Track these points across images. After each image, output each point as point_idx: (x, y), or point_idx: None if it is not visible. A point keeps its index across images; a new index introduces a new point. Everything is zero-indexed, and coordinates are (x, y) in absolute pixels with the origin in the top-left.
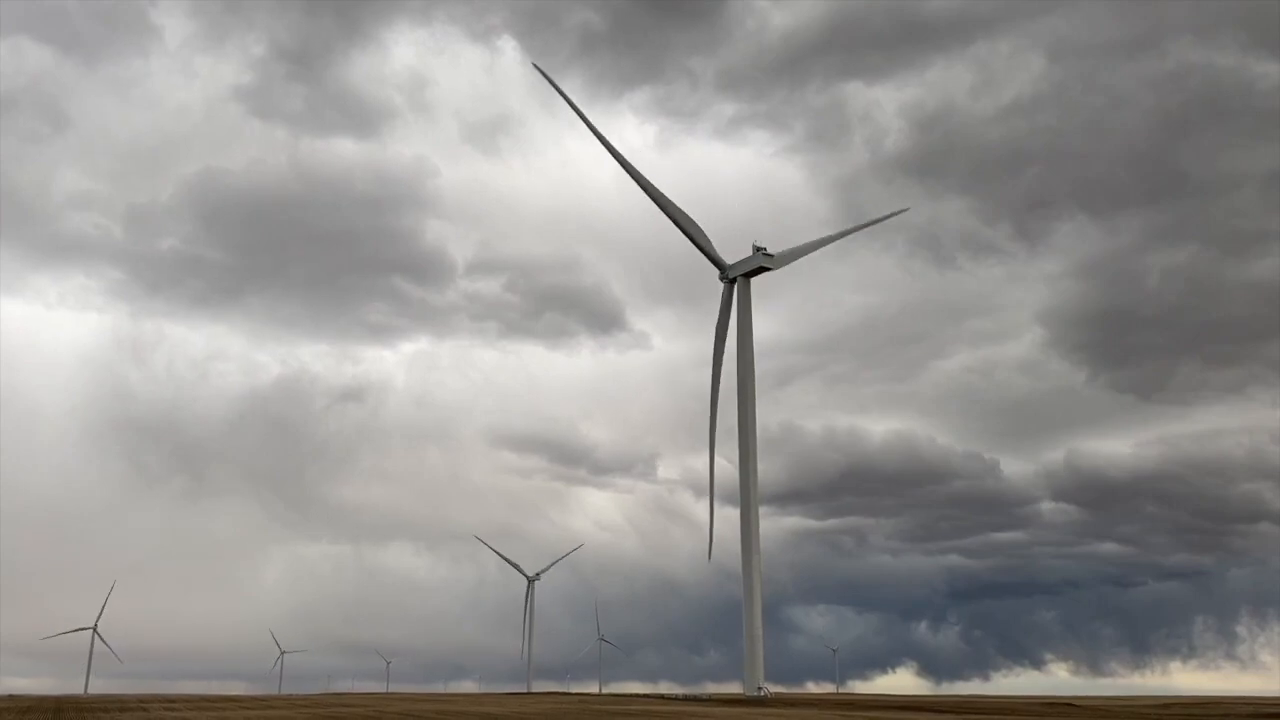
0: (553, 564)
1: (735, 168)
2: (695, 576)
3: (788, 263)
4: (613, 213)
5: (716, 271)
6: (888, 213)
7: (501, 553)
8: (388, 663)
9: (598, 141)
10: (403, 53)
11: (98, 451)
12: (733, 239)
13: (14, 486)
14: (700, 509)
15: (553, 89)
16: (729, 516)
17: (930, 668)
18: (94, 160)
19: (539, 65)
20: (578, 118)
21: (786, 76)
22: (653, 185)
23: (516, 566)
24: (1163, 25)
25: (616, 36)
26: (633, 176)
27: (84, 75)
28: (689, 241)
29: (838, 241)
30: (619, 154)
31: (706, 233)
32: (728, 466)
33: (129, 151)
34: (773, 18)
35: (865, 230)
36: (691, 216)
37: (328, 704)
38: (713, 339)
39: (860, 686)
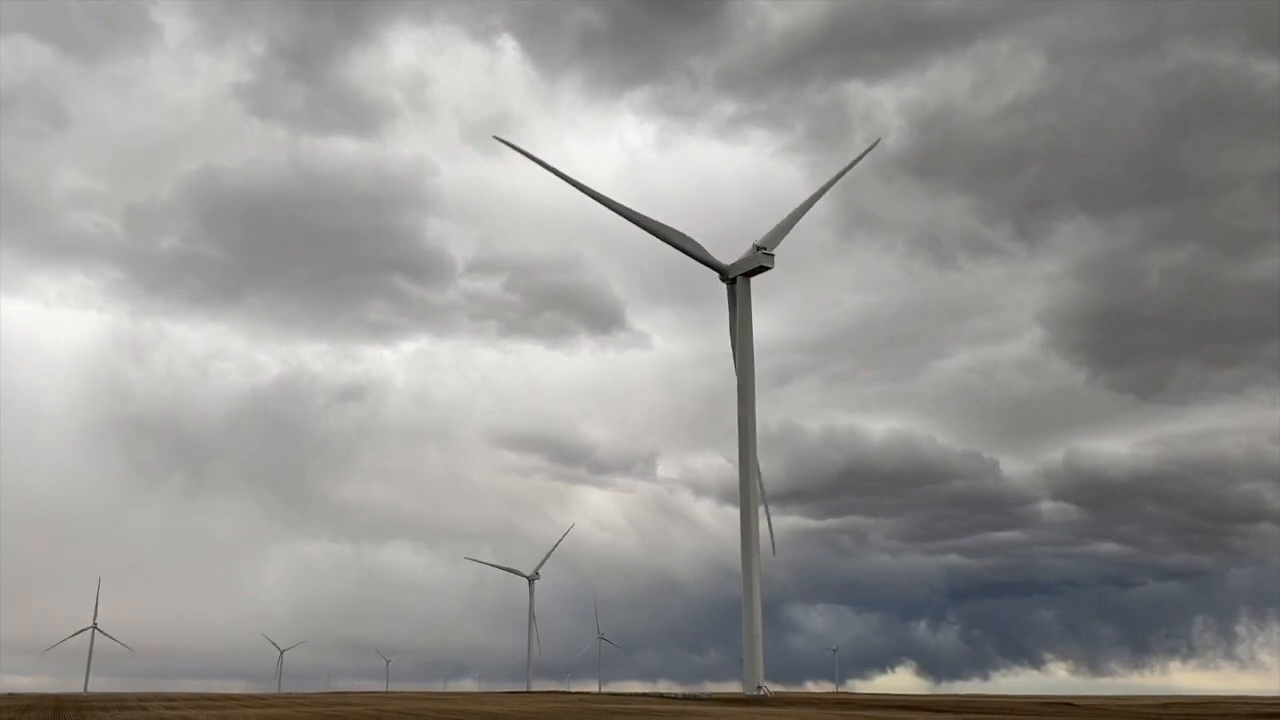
0: (547, 555)
1: (735, 167)
2: (695, 576)
3: (778, 241)
4: (611, 211)
5: (716, 273)
6: (863, 151)
7: (497, 564)
8: (387, 661)
9: (584, 183)
10: (403, 52)
11: (97, 450)
12: (733, 238)
13: (13, 485)
14: (700, 508)
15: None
16: (729, 515)
17: (929, 667)
18: (94, 159)
19: (500, 137)
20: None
21: (787, 76)
22: (636, 213)
23: (515, 571)
24: (1163, 25)
25: (616, 36)
26: (614, 209)
27: (84, 74)
28: (685, 255)
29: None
30: (596, 193)
31: (707, 230)
32: (728, 466)
33: (129, 150)
34: (773, 17)
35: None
36: (681, 229)
37: (328, 702)
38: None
39: (860, 686)
